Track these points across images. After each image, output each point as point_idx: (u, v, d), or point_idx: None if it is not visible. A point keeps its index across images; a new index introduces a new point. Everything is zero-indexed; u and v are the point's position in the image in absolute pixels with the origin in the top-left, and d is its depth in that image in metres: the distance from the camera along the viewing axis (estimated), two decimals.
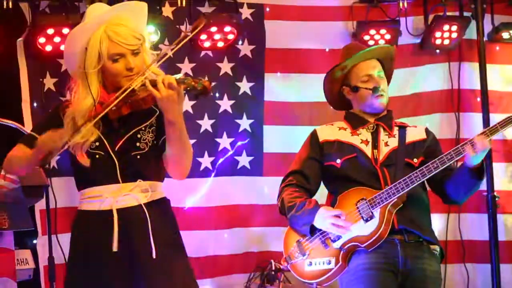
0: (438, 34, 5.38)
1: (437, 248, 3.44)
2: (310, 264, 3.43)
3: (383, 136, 3.52)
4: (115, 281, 2.73)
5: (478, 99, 5.40)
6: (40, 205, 4.81)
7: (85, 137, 2.75)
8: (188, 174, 2.87)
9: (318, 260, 3.41)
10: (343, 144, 3.51)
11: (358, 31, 5.36)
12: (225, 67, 5.36)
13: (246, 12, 5.36)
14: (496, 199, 5.20)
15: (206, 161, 5.31)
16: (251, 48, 5.40)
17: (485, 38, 5.36)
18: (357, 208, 3.36)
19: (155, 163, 2.83)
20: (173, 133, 2.72)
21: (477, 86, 5.40)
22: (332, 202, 3.48)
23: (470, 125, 5.47)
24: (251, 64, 5.39)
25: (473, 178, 3.34)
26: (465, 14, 5.41)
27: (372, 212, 3.33)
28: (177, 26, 5.21)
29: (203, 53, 5.31)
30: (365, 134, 3.53)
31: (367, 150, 3.47)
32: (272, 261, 4.93)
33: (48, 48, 4.95)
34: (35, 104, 5.03)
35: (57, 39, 4.92)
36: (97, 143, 2.78)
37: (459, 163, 3.46)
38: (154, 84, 2.66)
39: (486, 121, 5.22)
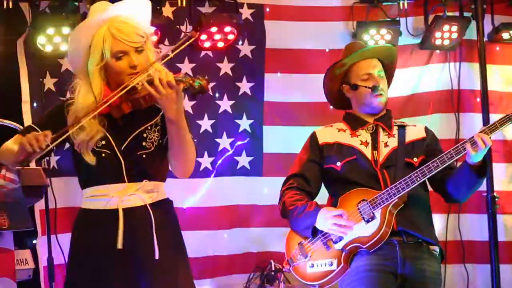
0: (438, 34, 5.38)
1: (436, 248, 3.43)
2: (312, 266, 3.42)
3: (382, 136, 3.51)
4: (116, 281, 2.72)
5: (478, 99, 5.40)
6: (40, 205, 4.81)
7: (89, 134, 2.73)
8: None
9: (320, 262, 3.40)
10: (343, 146, 3.50)
11: (358, 31, 5.36)
12: (225, 67, 5.35)
13: (246, 12, 5.36)
14: (496, 199, 5.20)
15: (206, 161, 5.31)
16: (251, 48, 5.40)
17: (485, 39, 5.36)
18: (358, 209, 3.35)
19: (160, 162, 2.82)
20: (174, 132, 2.72)
21: (477, 87, 5.39)
22: (333, 204, 3.47)
23: (470, 125, 5.46)
24: (251, 64, 5.39)
25: (474, 176, 3.32)
26: (465, 14, 5.40)
27: (373, 213, 3.32)
28: (177, 26, 5.21)
29: (203, 53, 5.32)
30: (364, 135, 3.52)
31: (367, 151, 3.46)
32: (272, 261, 4.94)
33: (48, 48, 4.96)
34: (35, 104, 5.03)
35: (57, 39, 4.92)
36: (103, 142, 2.77)
37: (460, 163, 3.46)
38: (151, 83, 2.65)
39: (486, 122, 5.20)
